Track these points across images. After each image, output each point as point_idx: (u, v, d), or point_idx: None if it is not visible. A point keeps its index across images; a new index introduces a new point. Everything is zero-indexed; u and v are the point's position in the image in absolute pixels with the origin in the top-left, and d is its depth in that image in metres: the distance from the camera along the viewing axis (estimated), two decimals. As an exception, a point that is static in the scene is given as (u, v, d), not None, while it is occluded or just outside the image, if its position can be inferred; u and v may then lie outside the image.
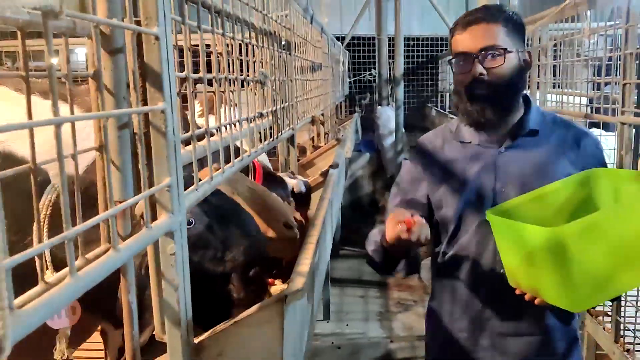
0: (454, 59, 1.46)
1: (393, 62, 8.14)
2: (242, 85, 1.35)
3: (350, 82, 9.21)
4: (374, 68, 9.46)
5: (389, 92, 8.92)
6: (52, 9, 0.52)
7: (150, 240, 0.77)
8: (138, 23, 0.80)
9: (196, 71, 1.03)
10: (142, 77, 0.81)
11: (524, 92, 1.53)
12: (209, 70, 1.09)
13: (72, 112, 0.61)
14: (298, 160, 2.90)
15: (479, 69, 1.39)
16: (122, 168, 0.81)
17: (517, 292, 1.32)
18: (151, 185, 0.83)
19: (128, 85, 0.83)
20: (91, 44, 0.79)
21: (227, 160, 1.15)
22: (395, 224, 1.27)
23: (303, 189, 2.23)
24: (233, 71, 1.29)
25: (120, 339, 2.02)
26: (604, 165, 1.50)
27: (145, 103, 0.82)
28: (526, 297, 1.30)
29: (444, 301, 1.58)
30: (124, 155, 0.81)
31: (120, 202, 0.75)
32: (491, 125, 1.47)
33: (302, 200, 2.17)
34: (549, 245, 1.14)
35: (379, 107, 8.74)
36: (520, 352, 1.49)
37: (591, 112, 2.96)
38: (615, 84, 2.48)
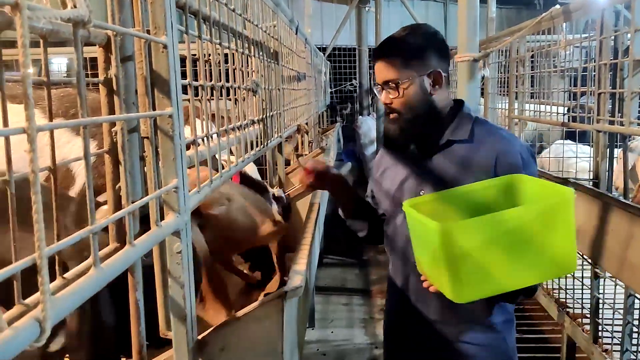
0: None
1: (374, 72, 8.23)
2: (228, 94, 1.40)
3: (331, 92, 9.29)
4: (355, 78, 9.57)
5: (370, 102, 9.02)
6: (82, 19, 0.56)
7: (160, 238, 0.81)
8: (147, 33, 0.84)
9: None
10: (151, 83, 0.86)
11: (459, 99, 1.65)
12: (195, 79, 1.14)
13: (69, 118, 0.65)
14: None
15: (384, 99, 1.55)
16: (131, 170, 0.85)
17: (422, 278, 1.44)
18: (158, 186, 0.87)
19: (136, 92, 0.87)
20: (101, 52, 0.84)
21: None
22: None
23: (283, 195, 2.30)
24: (228, 80, 1.34)
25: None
26: (519, 170, 1.49)
27: (152, 108, 0.87)
28: (424, 284, 1.41)
29: (392, 286, 1.72)
30: (134, 158, 0.85)
31: (133, 202, 0.79)
32: (404, 144, 1.62)
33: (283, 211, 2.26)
34: (439, 238, 1.24)
35: (360, 117, 8.83)
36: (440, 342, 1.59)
37: (568, 121, 3.06)
38: (591, 93, 2.58)
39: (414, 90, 1.51)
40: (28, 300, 0.53)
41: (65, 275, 0.66)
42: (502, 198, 1.43)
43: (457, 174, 1.52)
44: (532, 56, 3.63)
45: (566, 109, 3.49)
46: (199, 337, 0.95)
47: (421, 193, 1.55)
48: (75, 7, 0.56)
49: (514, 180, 1.44)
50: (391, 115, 1.56)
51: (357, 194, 1.78)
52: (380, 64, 1.54)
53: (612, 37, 2.42)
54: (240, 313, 0.98)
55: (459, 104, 1.62)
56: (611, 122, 2.40)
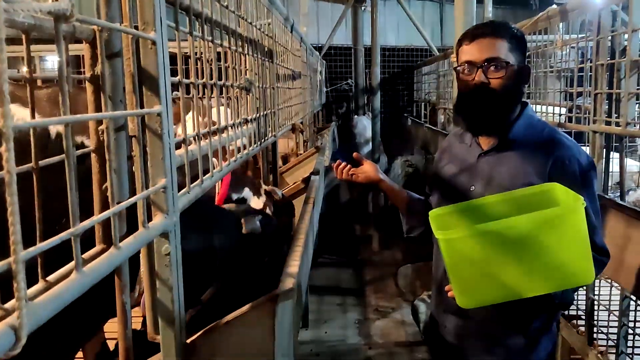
0: (459, 67, 1.57)
1: (369, 71, 8.23)
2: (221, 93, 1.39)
3: (327, 92, 9.27)
4: (351, 78, 9.55)
5: (366, 102, 9.00)
6: (64, 13, 0.54)
7: (147, 240, 0.79)
8: (135, 29, 0.82)
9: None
10: (139, 81, 0.83)
11: (525, 101, 1.64)
12: (187, 77, 1.11)
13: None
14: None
15: (482, 77, 1.49)
16: (118, 170, 0.82)
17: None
18: (146, 186, 0.85)
19: (124, 89, 0.85)
20: (88, 48, 0.81)
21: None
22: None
23: (280, 194, 2.31)
24: (221, 78, 1.31)
25: (98, 345, 2.02)
26: (575, 178, 1.47)
27: (141, 107, 0.84)
28: (446, 288, 1.49)
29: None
30: (121, 157, 0.83)
31: (119, 203, 0.76)
32: (485, 130, 1.59)
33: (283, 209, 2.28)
34: (442, 248, 1.31)
35: (356, 116, 8.81)
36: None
37: (564, 121, 3.04)
38: (587, 94, 2.57)
39: (515, 75, 1.51)
40: (8, 305, 0.51)
41: (48, 278, 0.63)
42: (532, 207, 1.37)
43: (510, 175, 1.52)
44: (528, 56, 3.61)
45: (562, 109, 3.48)
46: (188, 341, 0.93)
47: (472, 190, 1.57)
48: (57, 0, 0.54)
49: (550, 189, 1.42)
50: (477, 98, 1.52)
51: (407, 192, 1.83)
52: (488, 41, 1.51)
53: (609, 38, 2.40)
54: (230, 317, 0.96)
55: (523, 105, 1.61)
56: (607, 123, 2.38)
